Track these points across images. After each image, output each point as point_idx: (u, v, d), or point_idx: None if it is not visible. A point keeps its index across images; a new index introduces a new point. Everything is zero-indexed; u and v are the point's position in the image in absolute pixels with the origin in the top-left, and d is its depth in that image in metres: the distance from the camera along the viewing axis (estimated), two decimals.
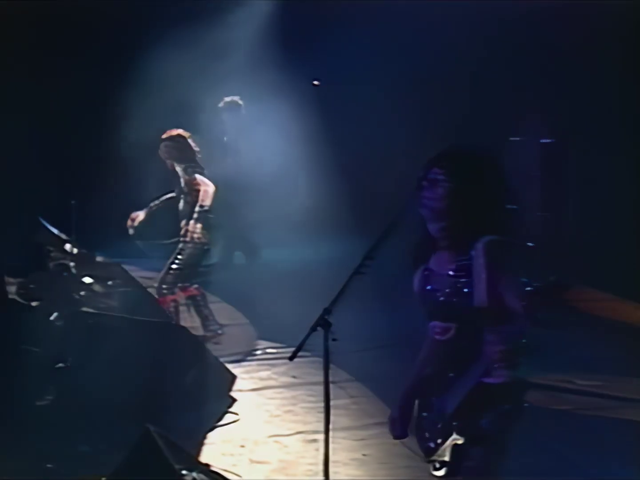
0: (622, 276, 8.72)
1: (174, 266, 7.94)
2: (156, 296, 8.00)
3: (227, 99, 10.53)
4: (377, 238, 4.06)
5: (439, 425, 3.98)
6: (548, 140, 11.16)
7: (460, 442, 3.94)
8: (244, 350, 8.35)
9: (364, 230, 10.15)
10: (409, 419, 4.12)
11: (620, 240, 9.39)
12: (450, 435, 3.96)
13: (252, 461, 6.15)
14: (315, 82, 12.07)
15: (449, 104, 11.22)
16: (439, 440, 4.01)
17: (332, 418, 6.76)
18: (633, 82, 9.50)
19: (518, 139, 11.23)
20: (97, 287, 8.47)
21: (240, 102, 10.57)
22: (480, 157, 4.08)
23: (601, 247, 9.77)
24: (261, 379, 7.67)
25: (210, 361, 7.20)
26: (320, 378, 7.52)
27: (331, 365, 7.86)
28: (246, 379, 7.58)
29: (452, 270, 3.92)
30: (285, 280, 10.21)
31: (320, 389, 7.28)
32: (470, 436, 3.90)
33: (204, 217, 7.91)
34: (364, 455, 6.26)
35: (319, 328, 4.35)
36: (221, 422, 6.76)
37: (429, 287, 4.03)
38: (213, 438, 6.50)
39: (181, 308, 8.16)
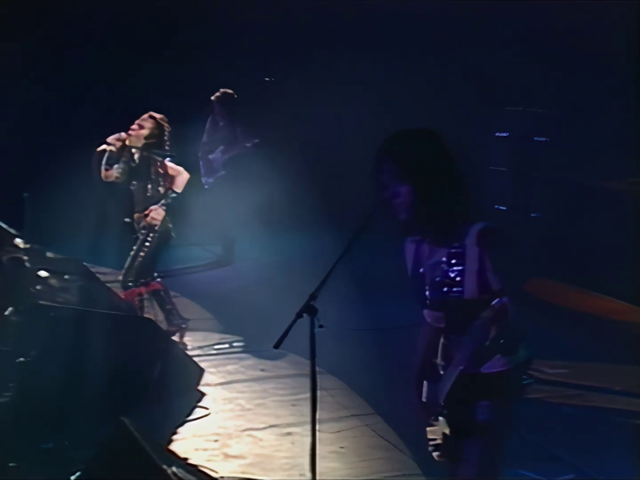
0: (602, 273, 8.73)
1: (140, 256, 7.65)
2: (121, 289, 7.69)
3: (221, 91, 10.60)
4: (363, 219, 3.88)
5: (434, 411, 3.82)
6: (542, 139, 11.02)
7: (447, 431, 3.78)
8: (209, 344, 8.08)
9: (334, 225, 10.16)
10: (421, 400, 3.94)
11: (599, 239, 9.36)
12: (442, 420, 3.80)
13: (226, 456, 5.91)
14: (267, 79, 11.88)
15: (432, 98, 11.13)
16: (435, 423, 3.85)
17: (304, 411, 6.69)
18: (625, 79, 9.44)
19: (506, 134, 11.15)
20: (53, 281, 8.16)
21: (230, 91, 10.64)
22: (426, 139, 3.83)
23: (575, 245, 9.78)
24: (229, 372, 7.44)
25: (177, 354, 6.96)
26: (290, 371, 7.55)
27: (300, 358, 7.78)
28: (214, 372, 7.34)
29: (445, 258, 3.74)
30: (254, 275, 10.08)
31: (291, 381, 7.33)
32: (460, 428, 3.75)
33: (171, 204, 7.65)
34: (341, 447, 6.08)
35: (304, 315, 4.09)
36: (191, 417, 6.52)
37: (421, 270, 3.85)
38: (184, 433, 6.27)
39: (145, 302, 7.86)
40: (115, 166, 7.62)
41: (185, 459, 5.14)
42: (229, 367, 7.56)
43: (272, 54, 12.02)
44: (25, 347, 6.37)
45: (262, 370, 7.50)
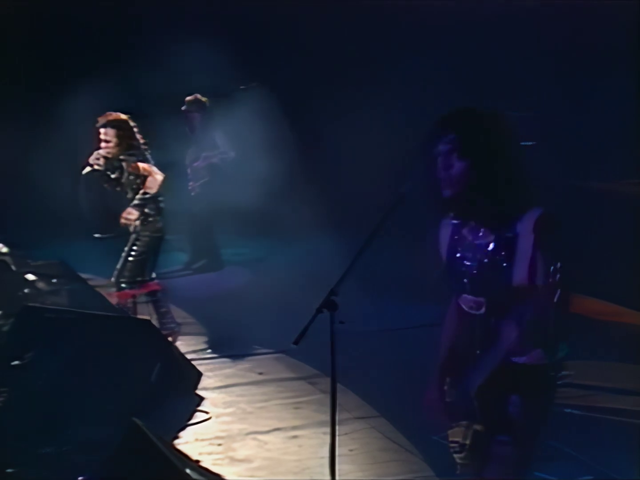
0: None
1: (131, 257, 7.46)
2: (114, 291, 7.50)
3: (190, 97, 10.47)
4: (384, 213, 3.75)
5: (463, 406, 3.65)
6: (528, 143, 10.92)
7: (479, 428, 3.63)
8: (202, 348, 7.90)
9: (321, 231, 10.06)
10: (443, 398, 3.77)
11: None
12: (473, 417, 3.64)
13: (232, 459, 5.73)
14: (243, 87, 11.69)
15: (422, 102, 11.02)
16: (462, 422, 3.69)
17: (308, 414, 6.57)
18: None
19: None
20: (41, 285, 8.00)
21: (204, 99, 10.50)
22: (495, 119, 3.69)
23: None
24: (226, 376, 7.25)
25: (176, 356, 6.77)
26: (289, 374, 7.39)
27: (298, 361, 7.63)
28: (210, 376, 7.15)
29: (493, 243, 3.59)
30: (239, 280, 9.93)
31: (291, 384, 7.16)
32: (493, 421, 3.60)
33: (147, 204, 7.44)
34: (350, 450, 5.91)
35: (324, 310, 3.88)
36: (192, 421, 6.33)
37: (458, 255, 3.71)
38: (186, 436, 6.09)
39: (140, 304, 7.67)
40: (112, 176, 7.48)
41: (197, 461, 4.96)
42: (226, 371, 7.38)
43: (264, 56, 11.85)
44: (19, 349, 6.17)
45: (261, 373, 7.33)
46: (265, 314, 8.22)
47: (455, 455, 3.69)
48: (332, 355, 4.09)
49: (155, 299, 7.81)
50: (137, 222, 7.47)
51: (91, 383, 6.07)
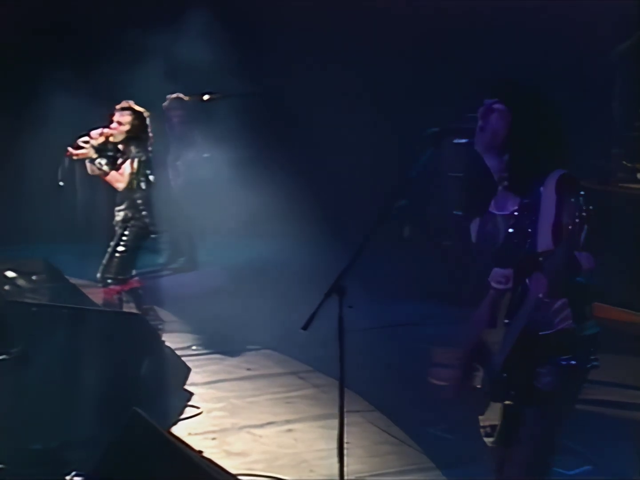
0: None
1: (117, 253, 7.32)
2: (99, 286, 7.36)
3: (172, 95, 10.36)
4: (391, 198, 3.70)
5: (491, 383, 3.58)
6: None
7: (510, 403, 3.56)
8: (187, 345, 7.78)
9: (299, 233, 9.98)
10: (469, 379, 3.68)
11: None
12: (501, 394, 3.57)
13: (228, 453, 5.62)
14: (206, 97, 11.43)
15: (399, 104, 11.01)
16: (492, 405, 3.62)
17: (301, 407, 6.48)
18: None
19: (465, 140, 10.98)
20: (21, 282, 7.82)
21: (186, 97, 10.42)
22: (537, 89, 3.71)
23: None
24: (214, 372, 7.15)
25: (165, 352, 6.64)
26: (277, 370, 7.31)
27: (285, 357, 7.54)
28: (199, 372, 7.03)
29: (517, 210, 3.53)
30: (217, 280, 9.81)
31: (281, 379, 7.07)
32: (522, 394, 3.51)
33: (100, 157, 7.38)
34: (347, 443, 5.77)
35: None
36: (183, 416, 6.21)
37: (487, 230, 3.65)
38: (178, 431, 5.92)
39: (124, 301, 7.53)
40: (98, 160, 7.33)
41: (200, 451, 4.83)
42: (213, 367, 7.28)
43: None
44: (6, 344, 6.01)
45: (249, 369, 7.24)
46: (247, 312, 8.14)
47: (485, 439, 3.62)
48: (340, 341, 3.94)
49: (137, 296, 7.69)
50: (125, 217, 7.39)
51: (80, 378, 5.92)
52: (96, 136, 7.34)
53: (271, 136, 11.04)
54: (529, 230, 3.45)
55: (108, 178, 7.36)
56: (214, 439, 5.84)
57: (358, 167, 11.37)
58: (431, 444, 5.81)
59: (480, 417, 3.68)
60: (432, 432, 6.00)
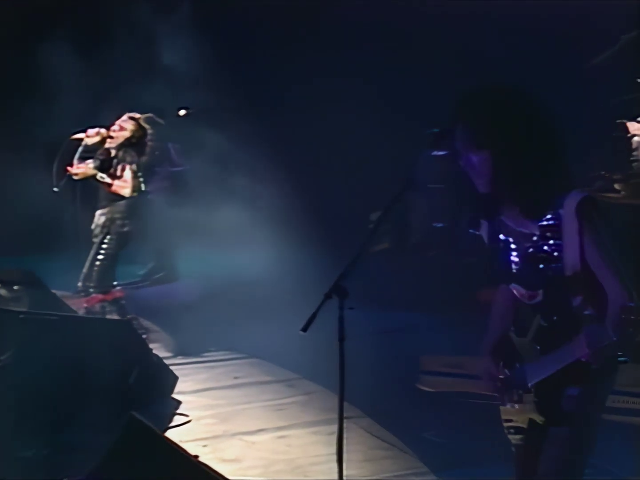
0: None
1: (97, 262, 7.25)
2: (82, 295, 7.28)
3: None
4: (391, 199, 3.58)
5: (519, 391, 3.48)
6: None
7: (534, 417, 3.46)
8: (172, 355, 7.70)
9: (277, 243, 9.92)
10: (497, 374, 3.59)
11: None
12: (529, 406, 3.48)
13: (222, 460, 5.55)
14: (182, 112, 11.31)
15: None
16: (517, 406, 3.53)
17: (293, 414, 6.43)
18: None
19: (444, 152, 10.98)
20: (3, 292, 7.72)
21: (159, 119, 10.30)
22: (514, 98, 3.42)
23: None
24: (202, 380, 7.10)
25: (154, 360, 6.57)
26: (264, 378, 7.26)
27: (271, 365, 7.48)
28: (186, 381, 6.95)
29: (537, 230, 3.36)
30: (198, 291, 9.76)
31: (269, 387, 7.03)
32: (550, 416, 3.42)
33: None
34: None
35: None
36: (173, 423, 6.14)
37: (503, 238, 3.49)
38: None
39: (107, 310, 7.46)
40: (89, 161, 7.26)
41: (196, 456, 4.76)
42: (200, 376, 7.23)
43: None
44: None
45: (236, 377, 7.18)
46: (231, 322, 8.07)
47: (510, 437, 3.54)
48: (340, 344, 3.79)
49: (120, 307, 7.63)
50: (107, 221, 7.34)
51: (69, 385, 5.86)
52: (92, 134, 7.28)
53: (254, 147, 10.98)
54: (555, 254, 3.34)
55: (113, 188, 7.31)
56: (205, 446, 5.77)
57: (344, 179, 11.35)
58: (424, 448, 5.77)
59: (504, 409, 3.58)
60: (425, 437, 5.97)
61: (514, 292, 3.51)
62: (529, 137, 3.33)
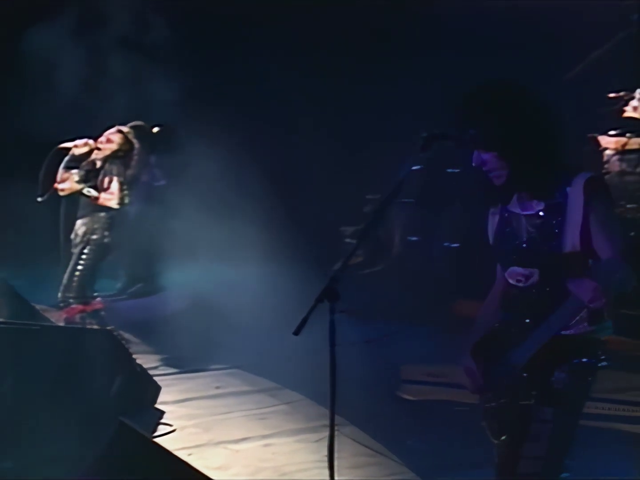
0: None
1: (77, 272, 7.22)
2: (62, 306, 7.24)
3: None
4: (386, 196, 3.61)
5: (506, 382, 3.54)
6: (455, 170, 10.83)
7: (527, 402, 3.50)
8: (153, 366, 7.67)
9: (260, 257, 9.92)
10: (481, 372, 3.62)
11: None
12: (517, 392, 3.52)
13: (208, 468, 5.51)
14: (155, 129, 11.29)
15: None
16: (502, 400, 3.57)
17: (275, 423, 6.41)
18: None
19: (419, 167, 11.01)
20: None
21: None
22: (516, 93, 3.53)
23: None
24: (184, 390, 7.09)
25: (136, 369, 6.53)
26: (246, 387, 7.28)
27: (251, 375, 7.47)
28: (168, 391, 6.92)
29: (542, 211, 3.48)
30: (179, 303, 9.72)
31: (250, 397, 7.04)
32: (543, 394, 3.48)
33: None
34: (325, 456, 5.73)
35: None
36: (156, 433, 6.11)
37: (508, 229, 3.58)
38: None
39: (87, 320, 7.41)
40: (74, 171, 7.24)
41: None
42: (181, 387, 7.21)
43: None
44: None
45: (217, 387, 7.17)
46: (211, 334, 8.05)
47: (492, 437, 3.60)
48: (331, 348, 3.78)
49: (100, 318, 7.59)
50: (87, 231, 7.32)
51: (50, 395, 5.80)
52: (81, 145, 7.28)
53: (235, 159, 10.98)
54: (556, 230, 3.43)
55: (100, 201, 7.29)
56: (190, 454, 5.74)
57: (324, 192, 11.37)
58: (408, 454, 5.79)
59: (485, 414, 3.63)
60: (408, 444, 5.98)
61: (510, 280, 3.56)
62: (537, 130, 3.44)
